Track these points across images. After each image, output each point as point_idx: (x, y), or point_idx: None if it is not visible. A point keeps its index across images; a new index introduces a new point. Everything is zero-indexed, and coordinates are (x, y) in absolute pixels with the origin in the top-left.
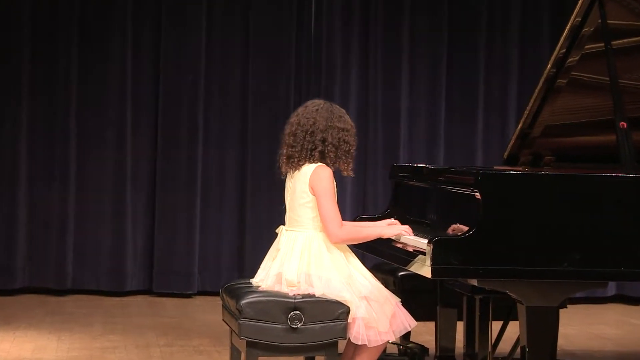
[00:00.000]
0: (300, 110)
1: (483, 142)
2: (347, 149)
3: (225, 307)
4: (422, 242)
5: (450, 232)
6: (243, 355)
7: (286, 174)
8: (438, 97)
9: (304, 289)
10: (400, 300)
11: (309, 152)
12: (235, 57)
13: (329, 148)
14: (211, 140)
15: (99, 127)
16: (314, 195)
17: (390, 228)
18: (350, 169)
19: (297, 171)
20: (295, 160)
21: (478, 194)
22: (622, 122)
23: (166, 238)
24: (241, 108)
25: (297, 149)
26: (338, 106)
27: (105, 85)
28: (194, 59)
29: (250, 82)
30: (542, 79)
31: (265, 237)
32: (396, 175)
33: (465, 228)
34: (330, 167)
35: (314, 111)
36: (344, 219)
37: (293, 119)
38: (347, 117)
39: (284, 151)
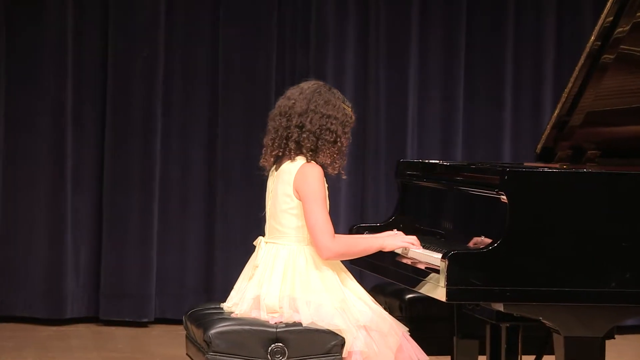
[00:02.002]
0: (289, 90)
1: (511, 132)
2: (331, 139)
3: (189, 338)
4: (435, 257)
5: (471, 246)
6: None
7: (269, 171)
8: (455, 76)
9: (288, 316)
10: (407, 329)
11: (283, 141)
12: (202, 25)
13: (305, 136)
14: (172, 131)
15: (31, 111)
16: (300, 199)
17: (394, 239)
18: (337, 166)
19: (278, 169)
20: (269, 150)
21: (504, 197)
22: None
23: (116, 252)
24: (210, 90)
25: (271, 137)
26: (337, 91)
27: (38, 58)
28: (151, 27)
29: (220, 57)
30: (584, 55)
31: (239, 251)
32: (403, 173)
33: (489, 240)
34: (311, 162)
35: (298, 92)
36: (337, 229)
37: (279, 101)
38: (340, 104)
39: (264, 141)
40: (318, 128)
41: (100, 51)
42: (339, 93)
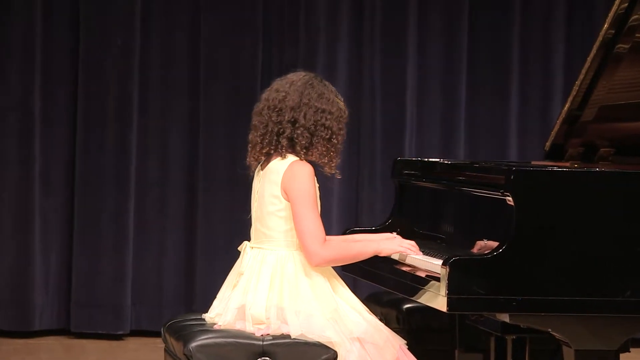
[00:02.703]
0: (275, 82)
1: (518, 128)
2: (326, 135)
3: (168, 351)
4: (435, 264)
5: (475, 251)
6: None
7: (255, 171)
8: (457, 66)
9: (276, 327)
10: (405, 342)
11: (274, 138)
12: (182, 12)
13: (299, 132)
14: (149, 126)
15: None
16: (289, 201)
17: (390, 242)
18: (333, 165)
19: (265, 167)
20: (258, 148)
21: (510, 198)
22: None
23: (88, 258)
24: (190, 83)
25: (260, 133)
26: (329, 84)
27: (3, 50)
28: (126, 14)
29: (202, 47)
30: (597, 44)
31: (223, 257)
32: (400, 173)
33: (495, 244)
34: (303, 160)
35: (288, 84)
36: (329, 233)
37: (265, 93)
38: (334, 97)
39: (249, 137)
40: (313, 124)
41: (71, 42)
42: (331, 86)
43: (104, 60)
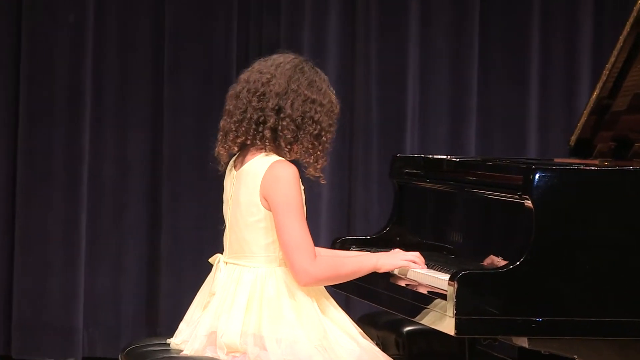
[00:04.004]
0: (257, 63)
1: (538, 120)
2: (314, 131)
3: None
4: (441, 279)
5: (487, 264)
6: None
7: (226, 168)
8: (467, 46)
9: (254, 357)
10: None
11: (253, 127)
12: None
13: (284, 124)
14: (105, 117)
15: None
16: (269, 209)
17: (391, 257)
18: (319, 167)
19: (240, 167)
20: (232, 136)
21: (530, 202)
22: None
23: (33, 274)
24: (153, 67)
25: (235, 119)
26: (321, 72)
27: None
28: None
29: (167, 25)
30: (630, 22)
31: (191, 273)
32: (400, 172)
33: (510, 256)
34: (286, 159)
35: (274, 66)
36: (316, 243)
37: (244, 74)
38: (326, 88)
39: (221, 123)
40: (300, 115)
41: (12, 18)
42: (324, 74)
43: (52, 40)
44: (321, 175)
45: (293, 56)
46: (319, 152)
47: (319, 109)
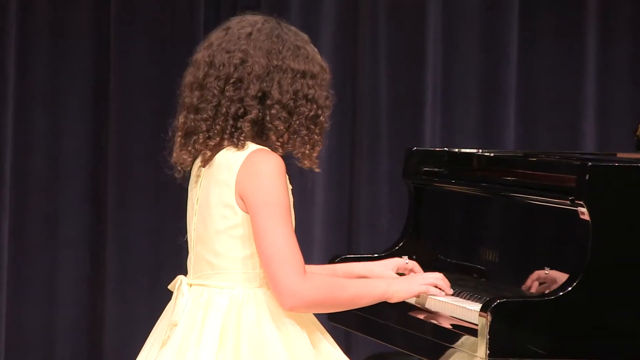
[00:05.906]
0: (214, 36)
1: (594, 105)
2: (310, 112)
3: None
4: (469, 309)
5: (531, 290)
6: None
7: (188, 172)
8: (502, 16)
9: None
10: None
11: (232, 123)
12: None
13: (273, 112)
14: (34, 104)
15: None
16: (247, 211)
17: (408, 282)
18: (315, 155)
19: (208, 164)
20: (202, 138)
21: (585, 209)
22: None
23: None
24: (95, 39)
25: (207, 116)
26: (295, 29)
27: None
28: None
29: None
30: None
31: (144, 299)
32: (417, 171)
33: (561, 277)
34: (276, 152)
35: (243, 36)
36: (308, 260)
37: (199, 54)
38: (311, 50)
39: (178, 121)
40: (292, 97)
41: None
42: (300, 32)
43: None
44: (317, 167)
45: (261, 19)
46: (316, 136)
47: (311, 82)
